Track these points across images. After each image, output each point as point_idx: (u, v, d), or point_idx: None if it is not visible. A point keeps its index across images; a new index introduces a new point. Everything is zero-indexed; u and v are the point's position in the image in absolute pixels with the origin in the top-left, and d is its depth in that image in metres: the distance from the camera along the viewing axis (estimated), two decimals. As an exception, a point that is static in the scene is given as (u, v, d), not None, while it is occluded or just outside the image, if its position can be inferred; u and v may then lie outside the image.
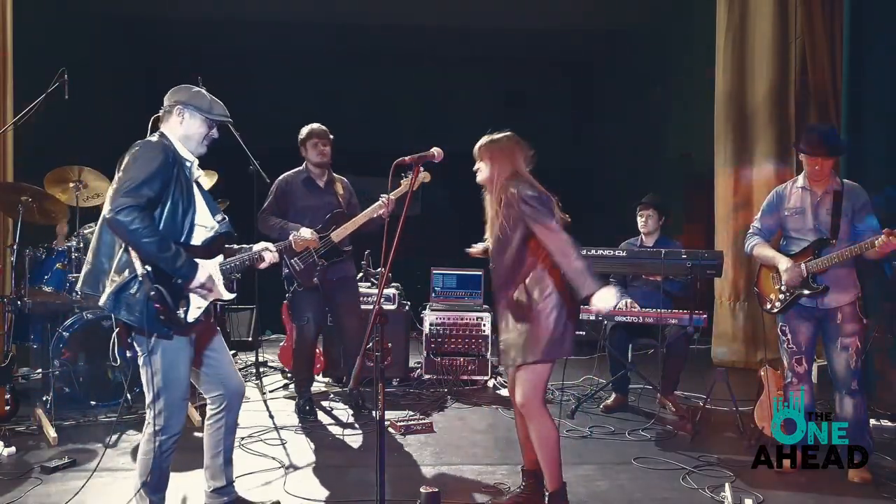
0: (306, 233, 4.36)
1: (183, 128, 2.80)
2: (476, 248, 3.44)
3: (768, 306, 3.84)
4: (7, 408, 4.30)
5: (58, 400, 4.36)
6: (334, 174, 4.77)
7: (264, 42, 9.66)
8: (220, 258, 2.87)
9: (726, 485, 3.32)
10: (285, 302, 5.80)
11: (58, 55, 5.31)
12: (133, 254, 2.61)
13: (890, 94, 5.06)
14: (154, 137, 2.76)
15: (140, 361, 2.72)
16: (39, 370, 4.55)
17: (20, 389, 4.65)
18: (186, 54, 8.90)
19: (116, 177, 2.62)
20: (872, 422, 4.27)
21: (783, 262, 3.69)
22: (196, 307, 2.73)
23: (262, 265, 3.10)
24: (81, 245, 4.64)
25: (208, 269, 2.74)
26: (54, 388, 4.37)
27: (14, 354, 4.58)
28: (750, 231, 3.97)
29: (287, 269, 4.62)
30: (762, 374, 4.14)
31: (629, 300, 4.87)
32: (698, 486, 3.47)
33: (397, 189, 4.38)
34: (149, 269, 2.58)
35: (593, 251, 4.61)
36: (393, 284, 5.77)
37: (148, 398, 2.73)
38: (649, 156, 9.76)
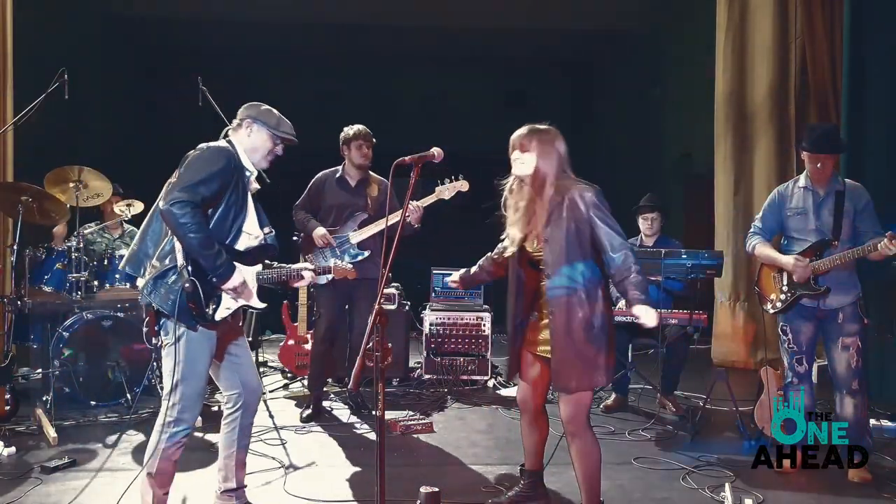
0: (335, 256, 4.47)
1: (250, 140, 2.95)
2: (456, 277, 3.29)
3: (769, 306, 3.83)
4: (7, 408, 4.30)
5: (58, 400, 4.36)
6: (373, 175, 4.75)
7: (264, 42, 9.66)
8: (258, 267, 2.99)
9: (726, 485, 3.32)
10: (285, 302, 5.82)
11: (58, 55, 5.32)
12: (177, 245, 2.74)
13: (890, 94, 5.06)
14: (222, 143, 2.91)
15: (164, 352, 2.81)
16: (39, 370, 4.54)
17: (20, 389, 4.65)
18: (186, 54, 8.91)
19: (177, 172, 2.78)
20: (872, 422, 4.26)
21: (788, 261, 3.68)
22: (225, 307, 2.84)
23: (297, 284, 3.20)
24: (81, 245, 4.64)
25: (244, 274, 2.87)
26: (54, 388, 4.38)
27: (14, 354, 4.58)
28: (751, 230, 3.96)
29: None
30: (762, 374, 4.14)
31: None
32: (698, 486, 3.47)
33: (427, 197, 4.37)
34: (189, 263, 2.71)
35: (593, 251, 4.60)
36: (393, 284, 5.77)
37: (166, 389, 2.80)
38: (649, 156, 9.77)
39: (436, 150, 2.95)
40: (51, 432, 4.07)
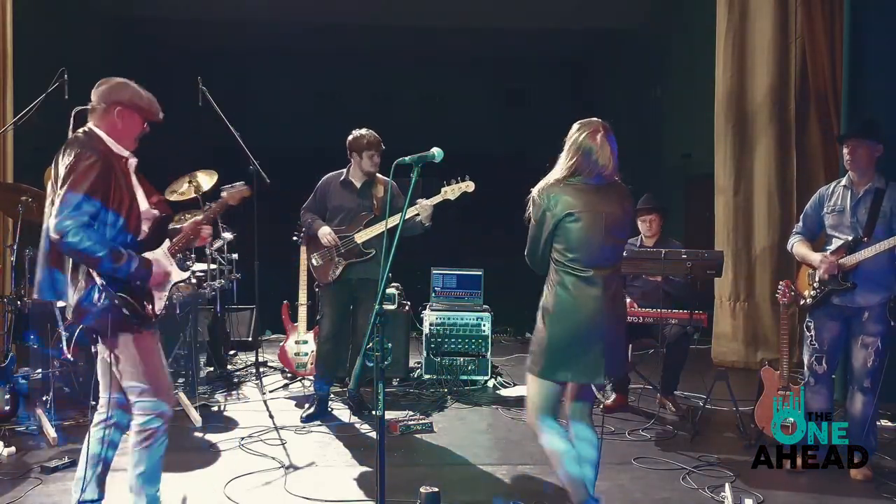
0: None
1: (122, 126, 2.73)
2: None
3: (801, 302, 3.85)
4: (7, 408, 4.30)
5: (58, 400, 4.36)
6: (378, 175, 4.73)
7: (264, 42, 9.66)
8: (167, 243, 2.90)
9: (726, 485, 3.32)
10: (285, 302, 5.82)
11: (58, 55, 5.32)
12: None
13: (890, 95, 5.06)
14: (84, 137, 2.68)
15: (112, 364, 2.71)
16: (39, 370, 4.54)
17: (20, 389, 4.64)
18: (186, 54, 8.91)
19: (56, 188, 2.58)
20: (873, 422, 4.26)
21: (816, 257, 3.70)
22: (159, 298, 2.80)
23: (202, 242, 3.09)
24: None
25: (160, 261, 2.79)
26: (54, 387, 4.37)
27: (14, 354, 4.58)
28: (793, 230, 4.00)
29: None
30: (762, 374, 4.14)
31: (628, 299, 4.86)
32: (698, 486, 3.47)
33: (434, 196, 4.37)
34: (106, 279, 2.60)
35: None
36: (393, 284, 5.76)
37: (134, 394, 2.75)
38: (649, 156, 9.76)
39: (436, 151, 2.94)
40: (51, 432, 4.07)
